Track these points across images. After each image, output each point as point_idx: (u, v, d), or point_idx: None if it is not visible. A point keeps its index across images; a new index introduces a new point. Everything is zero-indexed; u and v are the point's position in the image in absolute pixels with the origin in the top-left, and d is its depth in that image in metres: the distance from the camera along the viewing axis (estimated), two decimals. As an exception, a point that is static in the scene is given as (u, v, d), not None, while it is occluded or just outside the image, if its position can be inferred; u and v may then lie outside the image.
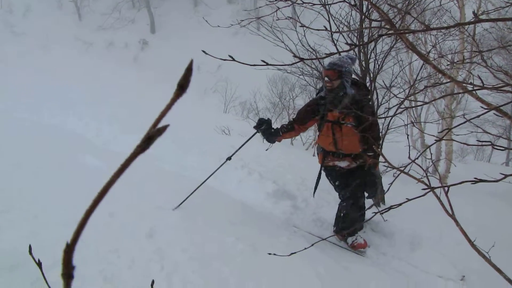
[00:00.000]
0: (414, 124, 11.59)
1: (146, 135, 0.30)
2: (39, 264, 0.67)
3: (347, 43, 1.62)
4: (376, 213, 2.04)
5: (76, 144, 6.61)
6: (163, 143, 7.69)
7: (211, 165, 6.79)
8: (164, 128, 0.31)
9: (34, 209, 3.75)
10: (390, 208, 2.08)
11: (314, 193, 4.82)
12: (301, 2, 3.14)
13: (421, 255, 4.54)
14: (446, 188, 1.71)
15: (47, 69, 24.90)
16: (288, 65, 1.80)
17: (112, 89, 16.49)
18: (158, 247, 3.44)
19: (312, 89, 12.21)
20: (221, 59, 1.51)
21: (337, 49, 6.44)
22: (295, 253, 1.78)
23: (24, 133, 6.55)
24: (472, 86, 1.66)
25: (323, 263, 3.95)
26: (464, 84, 1.49)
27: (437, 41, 8.12)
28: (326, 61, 4.39)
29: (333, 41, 6.32)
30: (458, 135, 2.61)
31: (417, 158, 1.88)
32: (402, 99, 3.07)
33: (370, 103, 5.21)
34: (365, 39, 6.13)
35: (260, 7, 8.66)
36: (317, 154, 4.87)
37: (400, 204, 1.58)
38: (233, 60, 1.41)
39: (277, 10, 4.09)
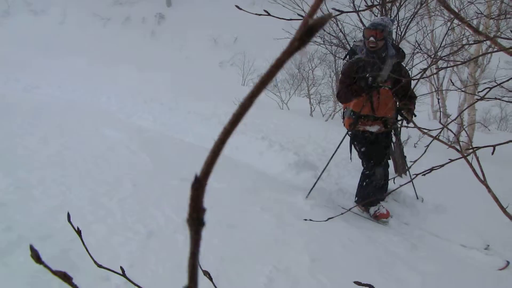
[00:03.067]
0: (437, 92, 11.37)
1: (305, 26, 0.19)
2: (78, 231, 0.67)
3: (366, 6, 1.57)
4: (403, 184, 2.01)
5: (99, 117, 6.68)
6: (181, 114, 7.74)
7: (231, 137, 6.83)
8: (328, 17, 0.19)
9: (66, 183, 3.83)
10: (416, 176, 2.06)
11: (351, 158, 4.79)
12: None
13: (445, 224, 4.51)
14: (475, 155, 1.68)
15: (66, 46, 25.03)
16: (338, 14, 1.75)
17: (130, 64, 16.49)
18: (184, 217, 3.47)
19: (331, 59, 12.05)
20: (256, 14, 1.47)
21: (359, 16, 6.30)
22: (332, 218, 1.76)
23: (48, 108, 6.66)
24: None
25: (347, 232, 3.96)
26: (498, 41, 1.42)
27: (462, 5, 7.87)
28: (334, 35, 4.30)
29: (355, 7, 6.17)
30: (485, 99, 2.54)
31: (449, 124, 1.83)
32: (425, 68, 3.00)
33: None
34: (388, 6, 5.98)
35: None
36: (344, 118, 4.76)
37: (431, 170, 1.55)
38: (269, 15, 1.37)
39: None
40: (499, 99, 1.86)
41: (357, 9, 6.23)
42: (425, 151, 1.89)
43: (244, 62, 20.78)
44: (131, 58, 22.83)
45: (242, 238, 3.36)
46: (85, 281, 2.46)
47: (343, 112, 4.83)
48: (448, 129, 1.87)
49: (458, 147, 1.77)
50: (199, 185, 0.25)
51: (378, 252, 3.70)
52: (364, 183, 4.63)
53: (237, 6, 1.52)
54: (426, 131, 1.75)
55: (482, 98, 1.75)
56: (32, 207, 3.31)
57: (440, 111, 11.82)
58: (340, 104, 11.79)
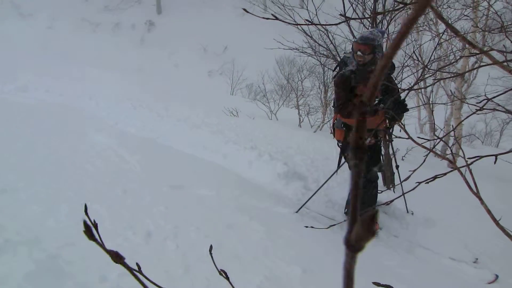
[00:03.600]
0: (424, 106, 11.51)
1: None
2: (94, 224, 0.65)
3: (360, 18, 1.58)
4: (393, 199, 2.00)
5: (87, 122, 6.61)
6: (170, 122, 7.69)
7: (221, 146, 6.81)
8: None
9: (54, 186, 3.77)
10: (405, 193, 2.06)
11: (337, 169, 4.78)
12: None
13: (434, 237, 4.53)
14: (468, 167, 1.69)
15: (55, 50, 24.84)
16: (332, 24, 1.76)
17: (119, 70, 16.39)
18: (174, 225, 3.44)
19: (320, 71, 12.13)
20: (264, 18, 1.46)
21: (349, 26, 6.35)
22: (334, 225, 1.76)
23: (37, 112, 6.56)
24: (505, 56, 1.61)
25: (337, 244, 3.95)
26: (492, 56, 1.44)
27: (450, 21, 8.00)
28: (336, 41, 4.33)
29: (347, 21, 6.22)
30: (484, 110, 2.56)
31: (444, 136, 1.84)
32: (416, 80, 3.03)
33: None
34: (378, 19, 6.04)
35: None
36: (334, 129, 4.76)
37: (434, 178, 1.55)
38: (276, 19, 1.37)
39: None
40: (498, 110, 1.87)
41: (348, 22, 6.32)
42: (423, 162, 1.89)
43: (233, 72, 20.80)
44: (120, 64, 22.72)
45: (231, 248, 3.32)
46: (73, 288, 2.41)
47: (333, 123, 4.83)
48: (443, 141, 1.88)
49: (451, 160, 1.78)
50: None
51: (368, 264, 3.69)
52: (355, 194, 4.63)
53: (245, 10, 1.51)
54: (420, 142, 1.76)
55: (481, 109, 1.76)
56: (19, 211, 3.24)
57: (434, 124, 11.96)
58: (328, 115, 11.90)
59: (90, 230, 0.42)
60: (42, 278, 2.41)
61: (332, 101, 4.89)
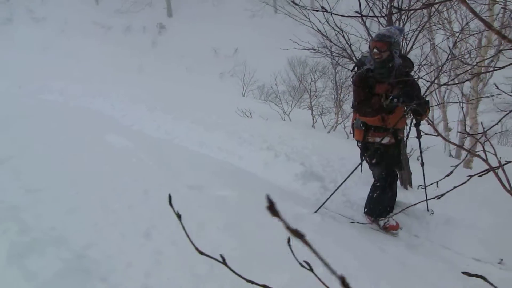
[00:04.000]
0: (438, 105, 11.42)
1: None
2: (178, 215, 0.66)
3: (378, 15, 1.56)
4: (422, 201, 1.96)
5: (103, 124, 6.64)
6: (185, 123, 7.71)
7: (236, 147, 6.80)
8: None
9: (75, 187, 3.78)
10: (442, 195, 2.02)
11: (361, 170, 4.73)
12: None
13: (455, 238, 4.47)
14: (502, 167, 1.65)
15: (67, 53, 25.08)
16: (347, 16, 1.74)
17: (132, 73, 16.50)
18: (197, 226, 3.43)
19: (333, 72, 12.12)
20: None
21: (366, 27, 6.32)
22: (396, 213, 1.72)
23: (53, 113, 6.61)
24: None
25: (359, 244, 3.93)
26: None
27: (466, 19, 7.95)
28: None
29: (363, 20, 6.19)
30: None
31: (485, 133, 1.81)
32: (431, 81, 2.99)
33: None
34: (395, 17, 6.00)
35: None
36: (354, 129, 4.73)
37: (471, 177, 1.52)
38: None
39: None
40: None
41: (364, 20, 6.27)
42: (457, 166, 1.85)
43: (245, 73, 20.84)
44: (132, 67, 22.91)
45: (255, 247, 3.31)
46: None
47: (353, 123, 4.80)
48: (475, 138, 1.85)
49: (484, 158, 1.74)
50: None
51: (391, 265, 3.66)
52: (375, 194, 4.59)
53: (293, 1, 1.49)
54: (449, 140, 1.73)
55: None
56: (43, 211, 3.25)
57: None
58: (342, 116, 11.87)
59: (273, 206, 0.43)
60: (71, 277, 2.42)
61: (351, 102, 4.86)
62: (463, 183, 1.71)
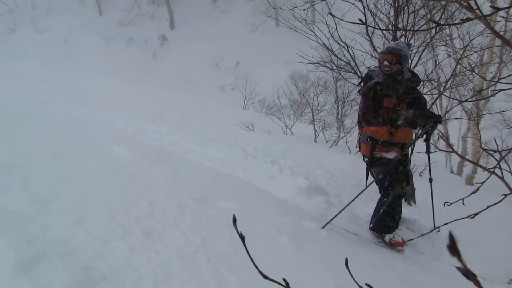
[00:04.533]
0: (443, 120, 11.41)
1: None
2: (241, 237, 0.64)
3: (401, 29, 1.55)
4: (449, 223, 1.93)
5: (108, 134, 6.62)
6: (188, 135, 7.70)
7: (240, 160, 6.79)
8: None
9: (81, 197, 3.75)
10: (476, 214, 2.00)
11: (366, 184, 4.70)
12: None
13: (463, 256, 4.42)
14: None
15: (70, 63, 25.18)
16: (353, 23, 1.74)
17: (134, 83, 16.54)
18: (203, 238, 3.40)
19: (333, 86, 12.16)
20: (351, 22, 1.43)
21: (371, 42, 6.35)
22: (411, 240, 1.70)
23: (58, 123, 6.60)
24: None
25: (367, 259, 3.89)
26: None
27: (469, 36, 7.99)
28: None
29: (368, 35, 6.22)
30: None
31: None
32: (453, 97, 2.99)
33: None
34: (400, 33, 6.03)
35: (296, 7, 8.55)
36: (360, 144, 4.71)
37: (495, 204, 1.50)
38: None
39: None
40: None
41: (369, 35, 6.30)
42: (485, 180, 1.83)
43: (246, 87, 20.91)
44: (133, 78, 22.98)
45: (261, 262, 3.27)
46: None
47: (359, 138, 4.78)
48: (491, 155, 1.83)
49: (499, 175, 1.72)
50: None
51: (399, 281, 3.62)
52: (381, 210, 4.56)
53: (331, 14, 1.49)
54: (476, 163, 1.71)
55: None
56: (50, 221, 3.22)
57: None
58: (343, 131, 11.88)
59: (455, 246, 0.41)
60: (81, 290, 2.38)
61: (357, 117, 4.84)
62: (497, 202, 1.69)
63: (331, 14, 2.40)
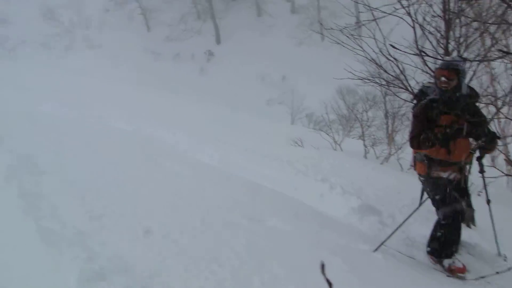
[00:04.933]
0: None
1: None
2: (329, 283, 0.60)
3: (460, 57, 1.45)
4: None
5: (159, 150, 6.73)
6: (237, 151, 7.72)
7: (291, 178, 6.73)
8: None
9: (137, 214, 3.81)
10: None
11: (420, 203, 4.52)
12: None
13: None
14: None
15: (119, 78, 26.05)
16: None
17: (180, 99, 16.89)
18: (257, 259, 3.35)
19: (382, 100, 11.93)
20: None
21: (422, 58, 6.15)
22: (483, 277, 1.60)
23: (112, 139, 6.79)
24: None
25: (425, 286, 3.72)
26: None
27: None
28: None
29: (418, 50, 6.03)
30: None
31: None
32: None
33: None
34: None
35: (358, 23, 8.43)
36: (415, 162, 4.52)
37: None
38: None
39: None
40: None
41: (420, 50, 6.10)
42: None
43: (293, 101, 20.90)
44: (182, 93, 23.47)
45: (316, 283, 3.18)
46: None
47: (414, 156, 4.60)
48: None
49: None
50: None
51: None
52: (439, 233, 4.35)
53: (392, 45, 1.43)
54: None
55: None
56: (107, 238, 3.27)
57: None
58: (395, 147, 11.58)
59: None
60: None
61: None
62: None
63: (392, 45, 2.33)
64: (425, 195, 4.59)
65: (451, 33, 5.79)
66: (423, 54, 5.67)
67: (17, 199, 3.88)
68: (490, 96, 8.24)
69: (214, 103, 20.36)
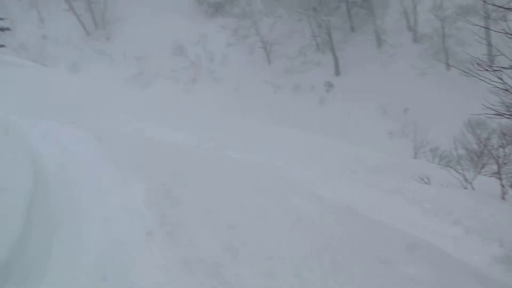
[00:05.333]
0: None
1: None
2: None
3: None
4: None
5: (282, 184, 6.78)
6: (359, 186, 7.46)
7: (418, 217, 6.31)
8: None
9: (267, 248, 3.85)
10: None
11: None
12: None
13: None
14: None
15: (240, 109, 27.26)
16: None
17: (302, 130, 17.03)
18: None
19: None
20: None
21: None
22: None
23: (237, 169, 7.03)
24: None
25: None
26: None
27: None
28: None
29: None
30: None
31: None
32: None
33: None
34: None
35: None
36: None
37: None
38: None
39: None
40: None
41: None
42: None
43: (416, 134, 19.91)
44: (300, 124, 23.73)
45: None
46: None
47: None
48: None
49: None
50: None
51: None
52: None
53: None
54: None
55: None
56: (241, 270, 3.34)
57: None
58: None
59: None
60: None
61: None
62: None
63: None
64: None
65: None
66: None
67: (158, 227, 4.16)
68: None
69: (332, 134, 20.22)
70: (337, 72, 34.81)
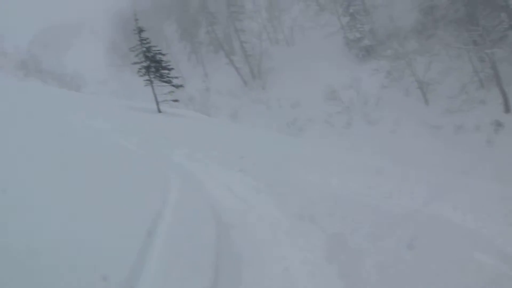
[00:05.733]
0: None
1: None
2: None
3: None
4: None
5: (459, 237, 6.18)
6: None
7: None
8: None
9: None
10: None
11: None
12: None
13: None
14: None
15: (397, 153, 26.18)
16: None
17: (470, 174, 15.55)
18: None
19: None
20: None
21: None
22: None
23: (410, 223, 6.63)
24: None
25: None
26: None
27: None
28: None
29: None
30: None
31: None
32: None
33: None
34: None
35: None
36: None
37: None
38: None
39: None
40: None
41: None
42: None
43: None
44: (464, 167, 21.76)
45: None
46: None
47: None
48: None
49: None
50: None
51: None
52: None
53: None
54: None
55: None
56: None
57: None
58: None
59: None
60: None
61: None
62: None
63: None
64: None
65: None
66: None
67: (337, 279, 4.06)
68: None
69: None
70: (507, 109, 31.46)
